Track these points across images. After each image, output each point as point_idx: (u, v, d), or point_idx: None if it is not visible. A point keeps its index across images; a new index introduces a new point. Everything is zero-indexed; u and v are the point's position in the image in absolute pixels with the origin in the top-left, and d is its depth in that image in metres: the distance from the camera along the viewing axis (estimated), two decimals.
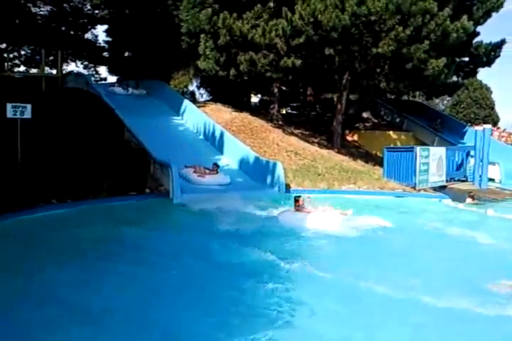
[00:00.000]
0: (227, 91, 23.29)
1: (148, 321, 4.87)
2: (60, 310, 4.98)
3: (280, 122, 21.44)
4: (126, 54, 26.04)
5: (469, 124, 27.19)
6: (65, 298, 5.30)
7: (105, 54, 27.41)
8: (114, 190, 11.34)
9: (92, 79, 23.01)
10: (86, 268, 6.27)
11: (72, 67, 28.57)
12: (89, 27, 27.62)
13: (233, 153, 15.29)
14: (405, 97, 29.57)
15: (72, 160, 11.52)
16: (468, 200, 13.82)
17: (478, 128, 17.05)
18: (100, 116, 14.94)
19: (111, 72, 27.72)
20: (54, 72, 22.94)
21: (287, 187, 13.47)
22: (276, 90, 21.94)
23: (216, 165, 13.54)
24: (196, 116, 17.86)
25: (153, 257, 7.00)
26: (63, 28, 26.14)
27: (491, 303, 5.40)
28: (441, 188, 15.60)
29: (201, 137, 17.05)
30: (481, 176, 16.22)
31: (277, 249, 7.56)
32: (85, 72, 27.96)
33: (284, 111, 27.15)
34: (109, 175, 11.68)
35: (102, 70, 29.65)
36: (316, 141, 20.20)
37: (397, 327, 4.87)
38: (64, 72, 23.68)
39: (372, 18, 14.85)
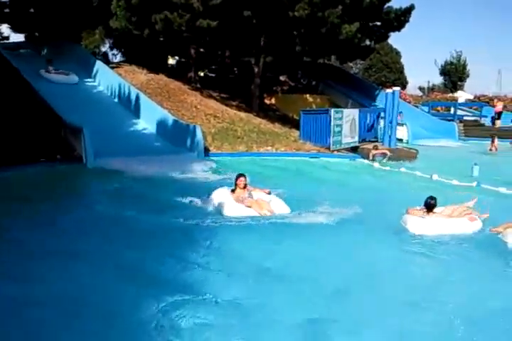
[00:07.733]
0: (142, 53, 22.39)
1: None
2: None
3: (198, 85, 21.17)
4: (32, 10, 24.15)
5: (380, 87, 28.20)
6: None
7: (6, 10, 25.24)
8: (22, 157, 10.75)
9: None
10: None
11: None
12: None
13: (150, 117, 14.93)
14: (321, 61, 30.04)
15: None
16: (373, 152, 14.72)
17: (389, 90, 17.76)
18: (5, 78, 13.97)
19: (14, 29, 25.69)
20: None
21: (206, 150, 13.51)
22: (193, 52, 21.50)
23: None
24: (110, 78, 17.18)
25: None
26: None
27: None
28: (353, 149, 16.31)
29: (116, 100, 16.47)
30: (390, 137, 17.04)
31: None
32: None
33: (202, 74, 26.70)
34: (16, 140, 11.06)
35: (4, 28, 27.40)
36: (234, 104, 20.19)
37: None
38: None
39: None
